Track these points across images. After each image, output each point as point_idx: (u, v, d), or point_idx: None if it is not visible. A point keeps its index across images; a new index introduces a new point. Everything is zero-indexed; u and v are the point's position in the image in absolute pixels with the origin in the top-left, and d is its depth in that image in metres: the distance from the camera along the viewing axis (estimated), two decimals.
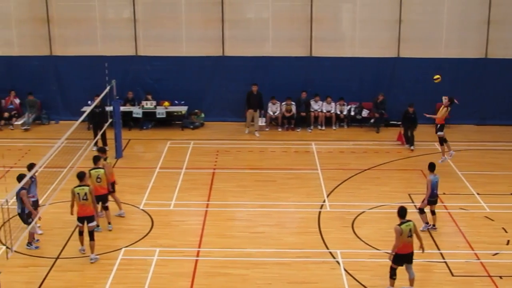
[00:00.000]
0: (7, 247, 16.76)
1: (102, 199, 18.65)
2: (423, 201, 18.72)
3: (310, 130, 28.40)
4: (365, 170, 23.67)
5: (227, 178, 22.96)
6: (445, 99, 24.03)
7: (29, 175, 16.73)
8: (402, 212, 15.28)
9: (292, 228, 19.33)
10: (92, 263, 17.03)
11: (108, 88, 24.40)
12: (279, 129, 28.52)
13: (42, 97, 29.55)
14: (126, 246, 17.92)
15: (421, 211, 18.72)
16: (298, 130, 28.42)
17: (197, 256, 17.49)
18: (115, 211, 19.59)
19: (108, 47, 29.12)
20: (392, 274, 15.39)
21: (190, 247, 17.95)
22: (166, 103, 28.79)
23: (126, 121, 27.39)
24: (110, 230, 18.85)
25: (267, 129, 28.44)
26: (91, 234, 17.11)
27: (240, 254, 17.53)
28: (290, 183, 22.55)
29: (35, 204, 17.94)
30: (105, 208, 18.97)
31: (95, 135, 24.83)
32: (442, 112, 23.27)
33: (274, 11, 28.99)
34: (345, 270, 16.68)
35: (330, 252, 17.62)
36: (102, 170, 18.70)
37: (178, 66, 29.15)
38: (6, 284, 15.06)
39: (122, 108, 25.69)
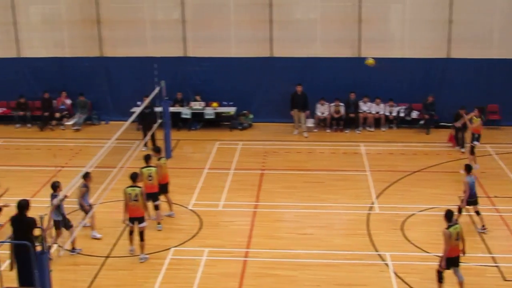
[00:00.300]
0: (59, 246, 17.00)
1: (153, 197, 18.83)
2: (462, 202, 18.65)
3: (359, 131, 28.24)
4: (415, 172, 23.44)
5: (275, 179, 22.95)
6: (467, 111, 23.87)
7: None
8: (449, 215, 15.07)
9: (341, 229, 19.23)
10: (141, 262, 17.18)
11: (157, 89, 24.59)
12: (328, 130, 28.39)
13: (93, 98, 29.89)
14: (175, 246, 18.03)
15: (459, 210, 18.59)
16: (347, 131, 28.28)
17: (246, 256, 17.51)
18: (165, 211, 19.74)
19: (157, 48, 29.32)
20: (440, 278, 15.20)
21: (239, 247, 17.99)
22: (215, 104, 28.91)
23: (175, 121, 27.50)
24: (159, 230, 19.00)
25: (315, 130, 28.33)
26: (141, 235, 17.26)
27: (288, 255, 17.50)
28: (339, 184, 22.44)
29: (90, 208, 18.18)
30: (156, 208, 19.12)
31: (145, 136, 25.06)
32: (477, 122, 22.94)
33: (322, 12, 28.86)
34: (395, 272, 16.54)
35: (379, 254, 17.49)
36: (153, 169, 18.90)
37: (227, 67, 29.22)
38: (58, 282, 15.22)
39: (171, 109, 25.84)
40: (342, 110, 28.40)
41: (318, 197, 21.32)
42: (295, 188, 22.14)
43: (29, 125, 29.48)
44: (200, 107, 28.71)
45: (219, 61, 29.22)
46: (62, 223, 17.08)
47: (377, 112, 28.49)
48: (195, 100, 28.86)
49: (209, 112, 28.71)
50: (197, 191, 21.92)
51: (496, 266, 16.79)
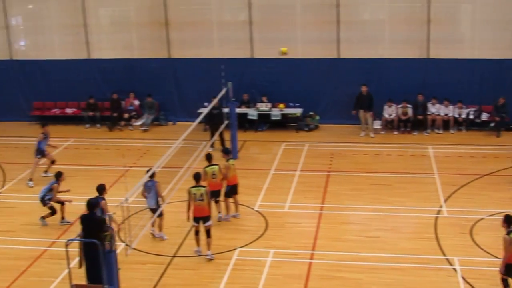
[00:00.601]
0: (126, 244, 17.20)
1: (216, 194, 19.04)
2: None
3: (427, 134, 27.83)
4: (485, 175, 22.96)
5: (341, 181, 22.80)
6: None
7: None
8: (508, 220, 14.76)
9: (408, 233, 18.98)
10: (209, 259, 17.28)
11: (224, 90, 24.69)
12: (395, 132, 28.04)
13: (160, 99, 30.22)
14: (241, 247, 18.07)
15: None
16: (415, 133, 27.89)
17: (311, 258, 17.43)
18: (232, 212, 19.82)
19: (224, 50, 29.47)
20: (506, 285, 14.88)
21: (304, 249, 17.92)
22: (281, 105, 28.89)
23: (241, 122, 27.57)
24: (219, 221, 19.33)
25: (382, 132, 28.05)
26: (208, 232, 17.38)
27: (354, 258, 17.35)
28: (406, 187, 22.15)
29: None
30: (216, 202, 19.34)
31: (212, 136, 25.22)
32: None
33: (390, 13, 28.55)
34: (463, 278, 16.25)
35: (447, 259, 17.20)
36: (216, 167, 19.10)
37: (293, 68, 29.12)
38: (125, 280, 15.44)
39: (237, 110, 25.94)
40: (410, 112, 28.04)
41: (385, 200, 21.09)
42: (361, 190, 21.97)
43: (98, 125, 30.01)
44: (267, 108, 28.74)
45: (285, 62, 29.17)
46: None
47: (446, 114, 28.00)
48: (262, 102, 28.90)
49: (276, 113, 28.70)
50: (263, 192, 21.94)
51: None
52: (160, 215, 18.45)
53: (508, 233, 14.61)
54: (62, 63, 30.80)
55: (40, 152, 23.56)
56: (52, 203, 19.60)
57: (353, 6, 28.70)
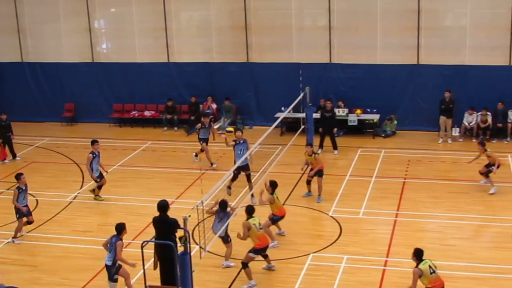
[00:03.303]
0: (200, 247, 17.34)
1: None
2: None
3: (506, 142, 27.23)
4: None
5: (418, 188, 22.51)
6: None
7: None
8: (418, 253, 14.87)
9: (486, 242, 18.63)
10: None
11: (301, 95, 24.70)
12: (474, 140, 27.44)
13: (238, 103, 30.45)
14: (314, 252, 18.02)
15: None
16: (494, 141, 27.27)
17: (385, 265, 17.25)
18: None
19: (303, 54, 29.46)
20: None
21: (378, 256, 17.75)
22: (358, 111, 28.71)
23: (318, 127, 27.49)
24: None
25: (460, 140, 27.58)
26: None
27: None
28: (485, 195, 21.69)
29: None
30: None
31: (322, 139, 26.33)
32: None
33: (472, 19, 27.98)
34: None
35: None
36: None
37: (372, 74, 28.91)
38: (199, 283, 15.58)
39: (314, 115, 25.90)
40: (489, 119, 27.47)
41: (462, 208, 20.70)
42: (438, 198, 21.64)
43: (176, 128, 30.38)
44: (344, 114, 28.59)
45: (364, 68, 28.99)
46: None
47: None
48: (339, 107, 28.75)
49: (352, 119, 28.54)
50: (338, 197, 21.83)
51: None
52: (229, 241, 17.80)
53: (417, 266, 14.62)
54: (142, 66, 31.38)
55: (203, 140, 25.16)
56: None
57: (434, 12, 28.26)
